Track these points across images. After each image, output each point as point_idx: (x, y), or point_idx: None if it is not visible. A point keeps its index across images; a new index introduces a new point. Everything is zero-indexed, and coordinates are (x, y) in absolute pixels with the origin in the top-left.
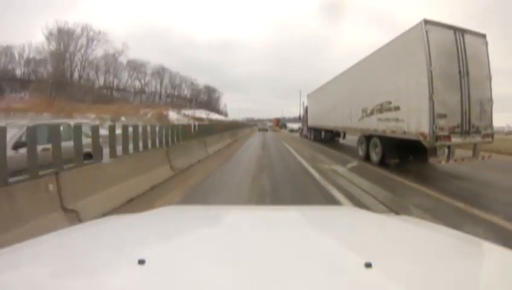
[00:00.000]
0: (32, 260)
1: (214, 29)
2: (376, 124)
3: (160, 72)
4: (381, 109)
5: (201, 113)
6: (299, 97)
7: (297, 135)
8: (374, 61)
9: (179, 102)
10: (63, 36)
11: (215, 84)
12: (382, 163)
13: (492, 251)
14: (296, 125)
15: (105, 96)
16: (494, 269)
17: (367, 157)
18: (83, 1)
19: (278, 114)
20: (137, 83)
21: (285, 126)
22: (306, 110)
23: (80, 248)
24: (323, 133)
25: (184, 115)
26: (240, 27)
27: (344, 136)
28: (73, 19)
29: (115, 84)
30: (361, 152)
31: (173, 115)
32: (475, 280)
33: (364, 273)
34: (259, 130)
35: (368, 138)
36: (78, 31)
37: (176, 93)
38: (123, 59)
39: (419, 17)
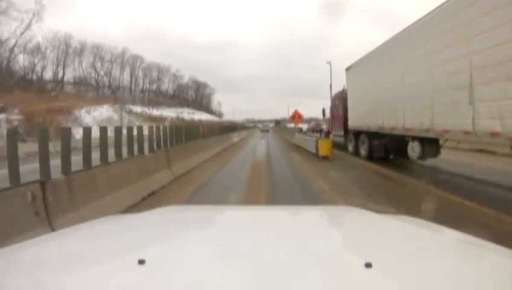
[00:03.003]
0: (32, 260)
1: (212, 30)
2: None
3: (130, 61)
4: None
5: (177, 112)
6: (329, 74)
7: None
8: None
9: (157, 98)
10: None
11: (214, 84)
12: None
13: (493, 251)
14: (303, 127)
15: (45, 89)
16: (494, 269)
17: None
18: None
19: (279, 115)
20: (102, 74)
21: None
22: (342, 97)
23: (80, 248)
24: (417, 146)
25: (130, 111)
26: (238, 27)
27: (437, 153)
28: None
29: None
30: None
31: (102, 112)
32: (475, 280)
33: (364, 273)
34: (261, 131)
35: None
36: None
37: (154, 87)
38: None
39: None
